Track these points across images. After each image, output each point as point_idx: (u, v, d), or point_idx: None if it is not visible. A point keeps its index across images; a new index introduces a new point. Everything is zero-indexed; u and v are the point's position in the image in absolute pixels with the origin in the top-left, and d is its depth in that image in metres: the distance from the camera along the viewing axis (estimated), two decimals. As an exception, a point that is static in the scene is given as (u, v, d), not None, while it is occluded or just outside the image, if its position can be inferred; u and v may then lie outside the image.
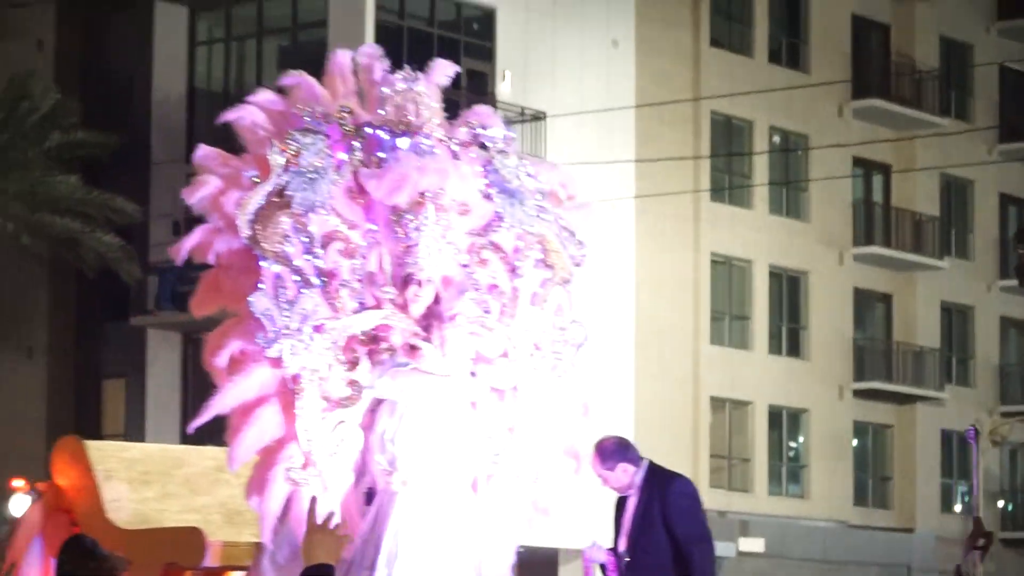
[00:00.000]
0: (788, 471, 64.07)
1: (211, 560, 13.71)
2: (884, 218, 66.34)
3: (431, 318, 11.90)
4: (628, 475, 12.37)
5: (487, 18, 55.69)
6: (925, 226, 66.31)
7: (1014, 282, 62.20)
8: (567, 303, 12.24)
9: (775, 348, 63.11)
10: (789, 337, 63.94)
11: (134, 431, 54.44)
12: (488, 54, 56.42)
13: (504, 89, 55.46)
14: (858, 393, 64.10)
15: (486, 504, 12.20)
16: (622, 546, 12.41)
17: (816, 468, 64.04)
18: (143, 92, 56.03)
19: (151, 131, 55.34)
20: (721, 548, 57.10)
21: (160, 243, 51.93)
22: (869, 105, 64.65)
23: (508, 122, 26.90)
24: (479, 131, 12.25)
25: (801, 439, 64.33)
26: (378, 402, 11.98)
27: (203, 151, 12.45)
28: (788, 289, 63.48)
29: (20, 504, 26.36)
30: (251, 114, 12.53)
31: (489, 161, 12.08)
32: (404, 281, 11.83)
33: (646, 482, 12.40)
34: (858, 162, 64.76)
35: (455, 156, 12.02)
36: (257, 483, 11.85)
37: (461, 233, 11.92)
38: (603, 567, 12.58)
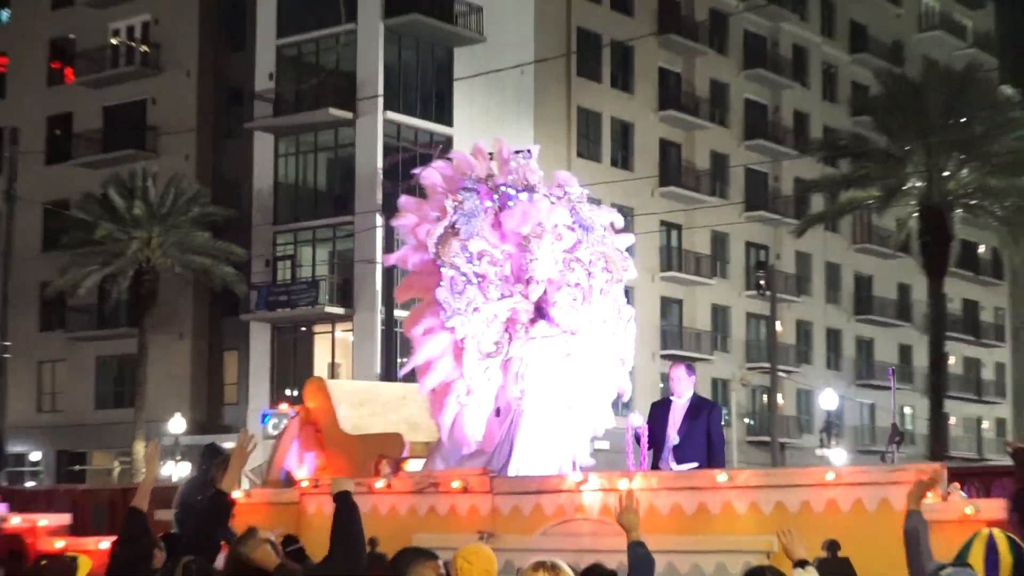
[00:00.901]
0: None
1: (406, 453, 13.82)
2: (679, 254, 69.00)
3: (542, 303, 13.16)
4: (692, 386, 14.30)
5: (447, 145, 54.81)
6: (703, 260, 69.88)
7: (754, 292, 66.97)
8: (621, 295, 13.57)
9: None
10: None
11: (242, 383, 59.38)
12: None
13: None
14: (663, 357, 64.91)
15: (574, 418, 13.30)
16: (672, 431, 13.88)
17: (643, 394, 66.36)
18: (247, 184, 59.30)
19: (252, 207, 58.74)
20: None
21: (258, 272, 58.16)
22: (670, 190, 67.76)
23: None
24: (566, 188, 13.44)
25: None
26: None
27: (404, 199, 14.28)
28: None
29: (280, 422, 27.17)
30: (430, 175, 13.89)
31: (573, 207, 13.36)
32: (526, 281, 13.09)
33: (695, 396, 14.19)
34: (663, 223, 66.45)
35: (552, 203, 13.18)
36: (437, 406, 13.22)
37: (558, 251, 13.08)
38: (637, 437, 13.66)
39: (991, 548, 7.26)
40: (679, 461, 13.67)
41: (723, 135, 71.94)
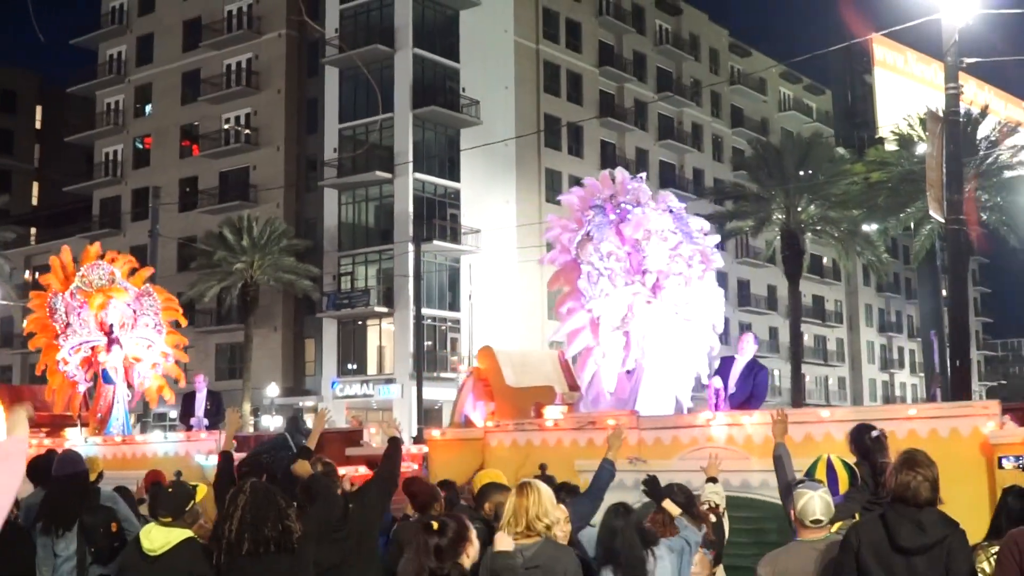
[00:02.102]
0: None
1: (557, 402, 12.96)
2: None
3: (655, 289, 12.54)
4: (753, 351, 13.41)
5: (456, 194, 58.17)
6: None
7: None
8: (713, 280, 12.91)
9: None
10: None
11: (317, 360, 58.89)
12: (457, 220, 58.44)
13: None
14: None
15: (680, 372, 12.85)
16: (732, 380, 13.05)
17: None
18: (320, 223, 58.86)
19: (323, 239, 58.13)
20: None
21: (328, 284, 57.76)
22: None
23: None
24: (668, 203, 12.97)
25: None
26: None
27: (552, 216, 13.77)
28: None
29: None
30: (569, 198, 13.50)
31: (678, 216, 12.90)
32: (643, 272, 12.47)
33: (753, 359, 13.34)
34: (605, 246, 71.05)
35: (659, 215, 12.79)
36: (580, 366, 12.72)
37: (665, 249, 12.49)
38: (716, 394, 12.93)
39: (830, 467, 7.04)
40: (732, 406, 12.94)
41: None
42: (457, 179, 58.57)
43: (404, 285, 53.31)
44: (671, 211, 13.12)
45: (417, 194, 56.82)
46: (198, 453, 14.03)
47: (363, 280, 58.52)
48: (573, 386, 14.05)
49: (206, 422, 16.53)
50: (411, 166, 55.39)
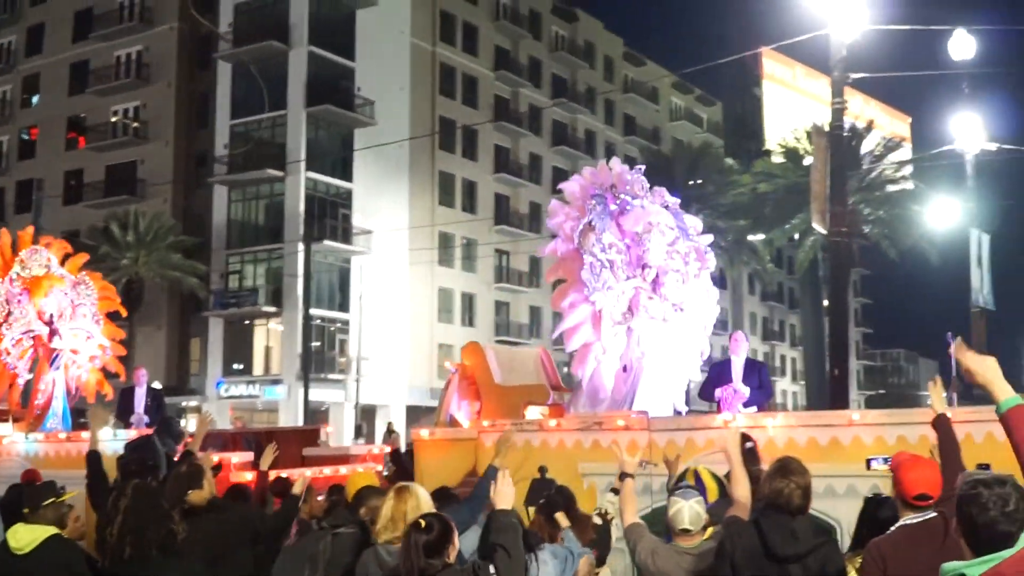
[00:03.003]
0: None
1: (550, 401, 12.77)
2: (507, 272, 68.22)
3: (655, 284, 12.11)
4: (747, 349, 13.37)
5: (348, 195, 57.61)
6: (524, 275, 69.10)
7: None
8: (708, 279, 12.45)
9: (467, 322, 65.01)
10: (469, 315, 65.46)
11: (203, 360, 58.08)
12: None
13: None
14: (497, 341, 57.00)
15: (676, 372, 12.27)
16: (736, 381, 12.84)
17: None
18: (208, 220, 58.01)
19: (212, 236, 57.29)
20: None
21: (215, 282, 56.92)
22: (501, 228, 67.03)
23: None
24: (664, 197, 12.55)
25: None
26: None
27: (554, 202, 12.85)
28: (467, 302, 65.83)
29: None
30: (571, 185, 12.84)
31: (674, 211, 12.53)
32: (642, 267, 12.05)
33: (748, 357, 13.24)
34: (497, 250, 66.57)
35: (660, 209, 12.42)
36: (579, 361, 12.12)
37: (664, 244, 12.08)
38: (721, 400, 12.86)
39: (698, 479, 7.08)
40: (733, 400, 12.80)
41: (538, 191, 71.33)
42: (350, 179, 58.21)
43: (293, 285, 52.91)
44: (667, 206, 12.76)
45: (309, 193, 56.37)
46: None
47: (251, 279, 57.83)
48: (555, 385, 13.87)
49: (147, 419, 15.73)
50: (303, 165, 55.06)
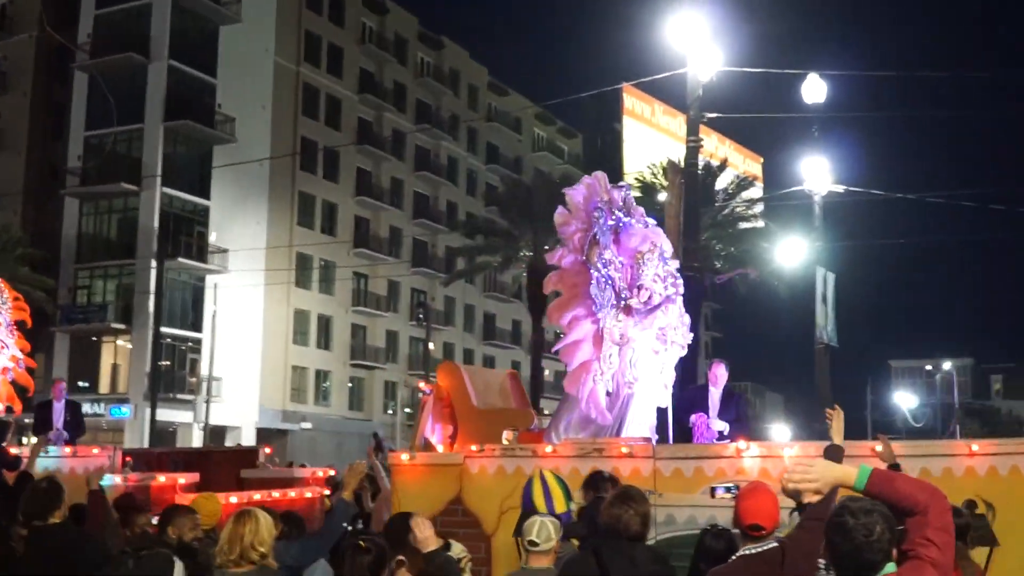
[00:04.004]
0: (322, 393, 64.61)
1: (534, 426, 12.28)
2: (365, 295, 67.79)
3: (647, 307, 11.53)
4: (726, 378, 12.96)
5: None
6: (382, 299, 68.98)
7: (415, 323, 68.04)
8: (681, 304, 11.94)
9: (323, 344, 65.03)
10: (325, 337, 65.42)
11: (47, 378, 50.05)
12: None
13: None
14: (352, 365, 66.32)
15: (656, 399, 11.71)
16: (713, 412, 12.55)
17: (338, 391, 65.68)
18: (59, 234, 56.24)
19: (61, 250, 55.80)
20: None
21: (64, 297, 55.48)
22: (361, 251, 66.86)
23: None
24: (646, 219, 12.05)
25: (328, 383, 65.02)
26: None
27: (560, 210, 12.13)
28: (323, 324, 65.64)
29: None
30: (577, 193, 12.07)
31: (655, 232, 11.92)
32: (637, 288, 11.47)
33: (727, 386, 12.89)
34: (355, 273, 66.49)
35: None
36: (574, 380, 11.48)
37: (661, 267, 11.59)
38: (694, 426, 12.50)
39: (544, 482, 7.10)
40: (718, 436, 12.42)
41: (399, 215, 71.75)
42: (207, 196, 57.38)
43: (144, 302, 51.96)
44: (646, 226, 12.28)
45: (164, 209, 55.40)
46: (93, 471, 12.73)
47: (101, 295, 56.55)
48: (521, 408, 13.41)
49: (65, 435, 15.04)
50: (159, 180, 54.24)
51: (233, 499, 11.60)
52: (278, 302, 61.40)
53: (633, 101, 55.73)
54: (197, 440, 52.13)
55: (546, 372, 75.03)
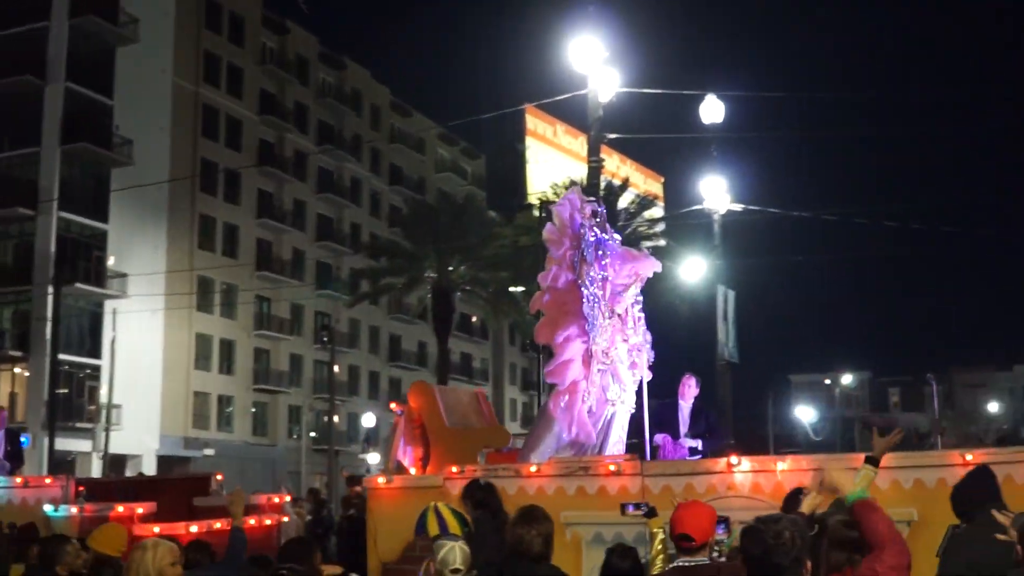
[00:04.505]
0: (225, 419, 63.81)
1: (510, 445, 12.00)
2: (268, 318, 67.86)
3: (623, 327, 11.59)
4: (695, 394, 12.74)
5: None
6: (285, 322, 68.69)
7: (320, 346, 66.42)
8: (644, 324, 11.87)
9: (225, 369, 64.34)
10: (228, 362, 64.96)
11: None
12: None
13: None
14: (255, 389, 66.00)
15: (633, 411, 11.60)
16: (683, 427, 12.37)
17: (241, 416, 65.13)
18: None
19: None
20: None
21: None
22: (263, 274, 66.76)
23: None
24: (613, 235, 12.05)
25: (231, 408, 64.51)
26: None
27: (549, 226, 11.83)
28: (226, 349, 65.21)
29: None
30: (564, 209, 11.69)
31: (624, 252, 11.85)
32: (612, 310, 11.41)
33: (696, 400, 12.69)
34: (258, 296, 66.46)
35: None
36: (559, 399, 11.16)
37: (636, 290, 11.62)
38: (661, 446, 12.31)
39: (438, 515, 7.16)
40: (690, 452, 12.28)
41: (301, 237, 71.25)
42: (105, 220, 56.24)
43: (41, 328, 50.81)
44: (620, 248, 12.07)
45: (61, 233, 54.32)
46: (47, 503, 12.38)
47: (-4, 321, 55.32)
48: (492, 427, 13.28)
49: (8, 465, 14.73)
50: (56, 204, 53.21)
51: (194, 528, 11.43)
52: (178, 327, 60.55)
53: (536, 122, 56.39)
54: (96, 470, 51.20)
55: (452, 393, 75.63)
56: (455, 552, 6.05)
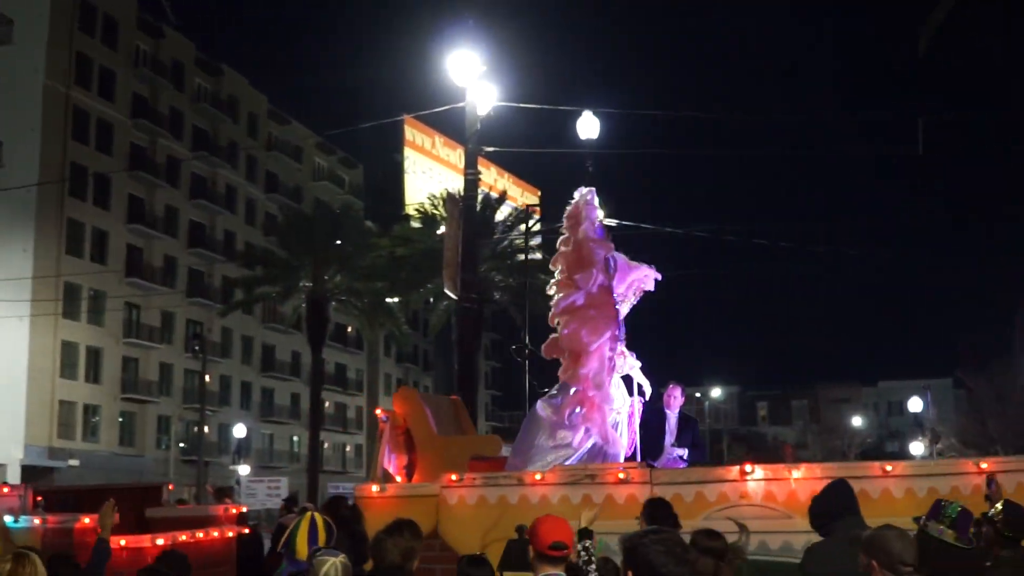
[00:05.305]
0: (91, 428, 62.02)
1: (503, 453, 11.66)
2: (138, 326, 66.17)
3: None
4: (680, 403, 12.32)
5: None
6: (155, 331, 67.57)
7: (191, 355, 65.59)
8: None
9: (92, 378, 62.54)
10: (95, 371, 63.29)
11: None
12: None
13: None
14: (123, 399, 64.22)
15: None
16: (671, 436, 12.06)
17: (108, 426, 63.21)
18: None
19: None
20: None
21: None
22: (133, 280, 65.25)
23: None
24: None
25: (97, 418, 62.85)
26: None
27: (600, 231, 11.59)
28: (93, 357, 63.81)
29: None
30: (590, 214, 11.53)
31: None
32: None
33: (681, 410, 12.34)
34: (127, 304, 64.74)
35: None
36: (570, 406, 11.01)
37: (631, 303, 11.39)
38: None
39: (312, 524, 7.31)
40: (673, 466, 11.85)
41: (173, 244, 70.17)
42: (-30, 223, 54.65)
43: None
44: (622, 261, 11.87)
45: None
46: (6, 514, 11.75)
47: None
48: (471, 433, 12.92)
49: None
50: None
51: (160, 541, 11.11)
52: (44, 334, 59.12)
53: (414, 133, 56.51)
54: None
55: (327, 404, 75.40)
56: (336, 568, 6.03)
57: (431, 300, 42.23)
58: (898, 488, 8.73)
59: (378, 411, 11.82)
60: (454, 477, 10.37)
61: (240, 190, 78.62)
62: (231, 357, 75.11)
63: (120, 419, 65.31)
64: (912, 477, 8.78)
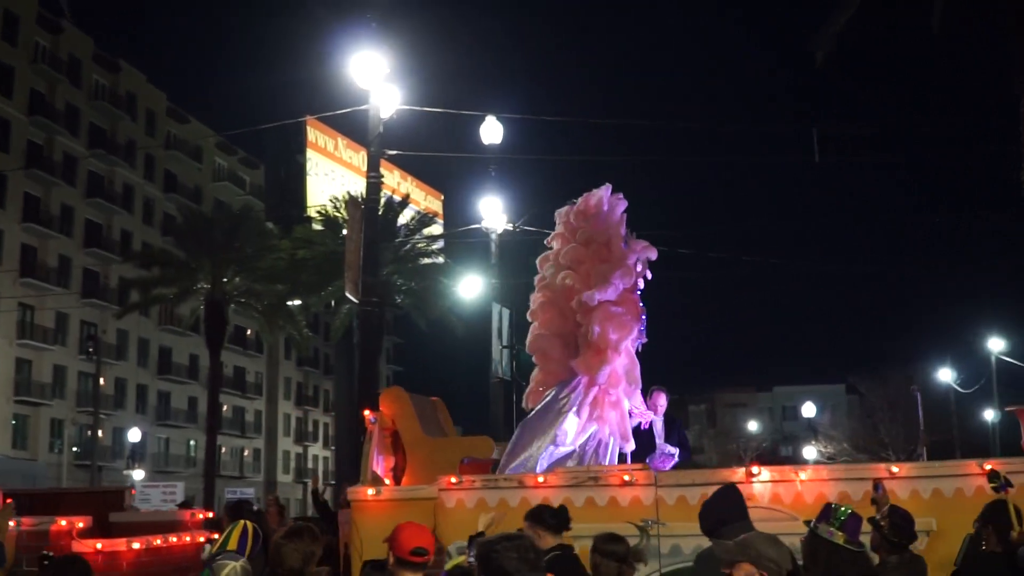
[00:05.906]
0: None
1: (495, 455, 11.41)
2: (31, 327, 65.28)
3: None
4: (665, 407, 12.38)
5: None
6: (49, 332, 66.59)
7: (85, 357, 64.36)
8: None
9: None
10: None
11: None
12: None
13: None
14: (16, 401, 63.29)
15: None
16: (659, 439, 12.13)
17: (0, 427, 63.74)
18: None
19: None
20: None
21: None
22: (27, 281, 64.15)
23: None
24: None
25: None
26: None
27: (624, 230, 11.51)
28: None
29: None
30: (616, 207, 11.67)
31: None
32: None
33: (667, 413, 12.45)
34: (21, 304, 63.61)
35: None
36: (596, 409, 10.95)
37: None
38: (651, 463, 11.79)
39: (244, 532, 7.33)
40: (664, 464, 12.04)
41: (69, 243, 68.60)
42: None
43: None
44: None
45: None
46: None
47: None
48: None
49: None
50: None
51: (136, 545, 10.96)
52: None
53: (316, 134, 56.00)
54: None
55: (225, 407, 74.60)
56: (236, 571, 6.02)
57: (332, 303, 42.00)
58: (903, 489, 8.84)
59: (367, 412, 11.55)
60: (453, 480, 10.18)
61: (138, 189, 77.39)
62: (127, 359, 73.93)
63: (13, 422, 63.91)
64: (916, 479, 8.93)
